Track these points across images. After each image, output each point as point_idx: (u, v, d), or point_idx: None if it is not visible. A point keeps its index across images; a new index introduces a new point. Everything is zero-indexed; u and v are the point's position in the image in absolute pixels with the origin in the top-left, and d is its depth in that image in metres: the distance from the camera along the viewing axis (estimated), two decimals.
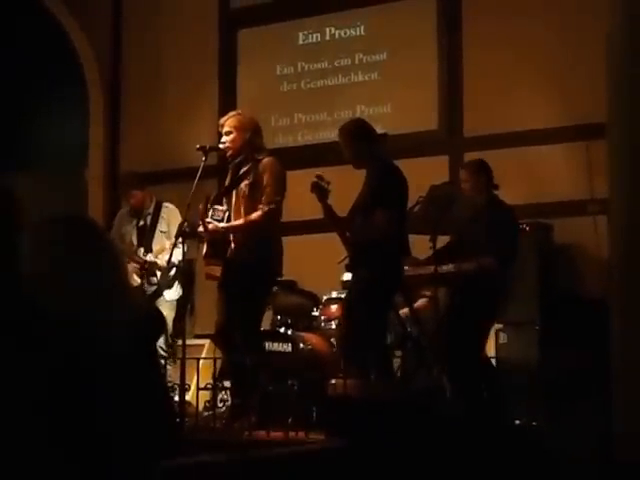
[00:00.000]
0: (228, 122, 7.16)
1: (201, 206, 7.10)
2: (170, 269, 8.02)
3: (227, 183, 7.20)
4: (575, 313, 7.52)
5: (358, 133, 7.06)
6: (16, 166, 11.63)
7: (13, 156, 11.51)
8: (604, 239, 5.96)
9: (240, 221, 6.95)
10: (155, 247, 8.30)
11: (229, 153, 7.14)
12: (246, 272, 6.88)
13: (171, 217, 8.24)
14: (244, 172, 7.02)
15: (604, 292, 5.58)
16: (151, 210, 8.51)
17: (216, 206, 7.11)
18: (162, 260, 8.10)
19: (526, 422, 6.84)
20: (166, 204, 8.50)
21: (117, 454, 2.44)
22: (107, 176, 11.31)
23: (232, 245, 6.98)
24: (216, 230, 6.95)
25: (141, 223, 8.53)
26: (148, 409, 2.55)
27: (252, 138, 7.09)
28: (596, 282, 7.41)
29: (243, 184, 6.99)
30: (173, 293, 7.86)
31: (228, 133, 7.11)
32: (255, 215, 6.91)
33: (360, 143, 6.97)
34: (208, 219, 6.98)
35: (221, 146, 7.22)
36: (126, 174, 9.09)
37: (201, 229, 7.02)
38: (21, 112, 11.41)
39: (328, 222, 7.00)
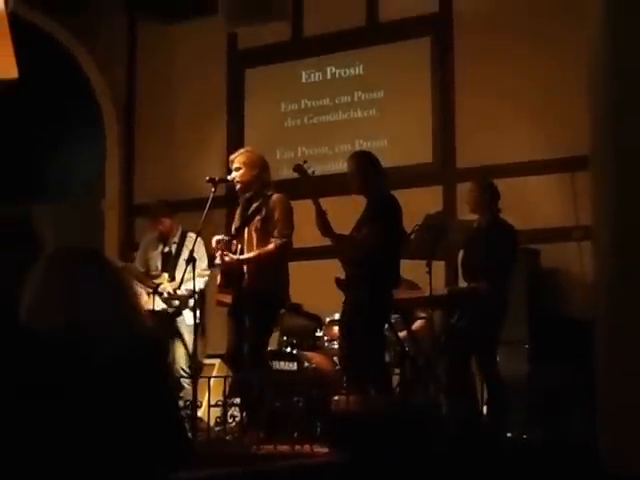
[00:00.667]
0: (238, 159, 7.22)
1: (217, 239, 7.14)
2: (189, 295, 7.99)
3: (239, 217, 7.22)
4: (562, 332, 7.53)
5: (368, 162, 7.12)
6: (37, 197, 11.67)
7: (35, 188, 11.53)
8: (588, 263, 5.98)
9: (256, 253, 6.99)
10: (177, 275, 8.27)
11: (239, 187, 7.19)
12: (259, 300, 6.94)
13: (196, 247, 8.22)
14: (256, 208, 7.06)
15: (588, 312, 5.59)
16: (177, 239, 8.47)
17: (228, 239, 7.17)
18: (185, 286, 8.06)
19: (517, 435, 6.85)
20: (190, 234, 8.46)
21: (127, 469, 2.43)
22: (122, 206, 11.32)
23: (246, 275, 7.00)
24: (232, 261, 7.00)
25: (166, 250, 8.51)
26: (157, 425, 2.54)
27: (260, 174, 7.15)
28: (581, 303, 7.42)
29: (256, 219, 7.03)
30: (192, 318, 7.82)
31: (238, 169, 7.16)
32: (270, 247, 6.98)
33: (367, 173, 7.03)
34: (226, 252, 7.03)
35: (229, 178, 7.26)
36: (157, 202, 9.03)
37: (218, 260, 7.07)
38: (41, 146, 11.43)
39: (320, 228, 7.04)
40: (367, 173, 7.02)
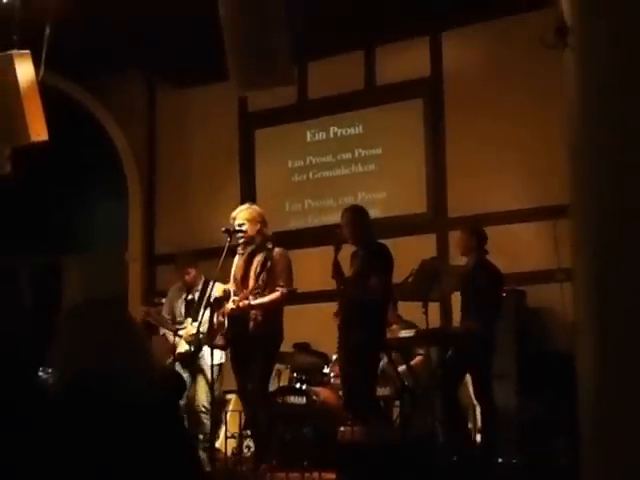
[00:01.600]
0: (240, 215, 7.22)
1: (225, 288, 7.17)
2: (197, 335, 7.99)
3: (241, 268, 7.18)
4: (546, 366, 7.53)
5: (359, 215, 7.18)
6: (64, 248, 11.72)
7: (62, 239, 11.58)
8: (570, 302, 6.00)
9: (266, 300, 7.00)
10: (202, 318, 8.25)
11: (242, 241, 7.19)
12: (264, 340, 6.97)
13: (212, 291, 8.22)
14: (261, 261, 7.06)
15: (570, 347, 5.61)
16: (200, 287, 8.49)
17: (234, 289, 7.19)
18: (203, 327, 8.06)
19: (507, 460, 6.84)
20: (212, 282, 8.47)
21: None
22: (145, 256, 11.35)
23: (252, 320, 7.00)
24: (246, 307, 7.01)
25: (189, 297, 8.49)
26: (173, 462, 2.53)
27: (261, 229, 7.18)
28: (563, 339, 7.43)
29: (263, 272, 7.03)
30: (216, 358, 7.81)
31: (241, 225, 7.16)
32: (277, 295, 7.00)
33: (360, 223, 7.09)
34: (234, 298, 7.06)
35: (243, 228, 7.27)
36: (182, 254, 9.03)
37: (232, 305, 7.09)
38: (70, 202, 11.49)
39: (334, 275, 7.04)
40: (359, 225, 7.08)
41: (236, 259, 7.27)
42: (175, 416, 2.77)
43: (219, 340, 7.33)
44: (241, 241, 7.19)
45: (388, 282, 6.85)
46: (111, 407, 2.44)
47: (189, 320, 8.30)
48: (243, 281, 7.13)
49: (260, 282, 7.04)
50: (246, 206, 7.47)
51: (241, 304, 7.01)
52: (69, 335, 2.63)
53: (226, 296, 7.12)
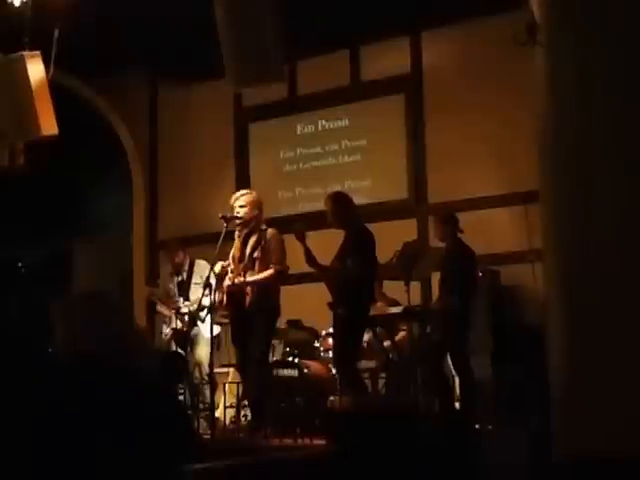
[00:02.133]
0: (243, 198, 7.24)
1: (223, 265, 7.17)
2: (201, 310, 8.01)
3: (239, 249, 7.20)
4: (519, 339, 7.56)
5: (340, 201, 7.17)
6: (74, 234, 11.71)
7: (72, 225, 11.56)
8: (540, 281, 6.04)
9: (261, 276, 7.03)
10: (192, 297, 8.35)
11: (240, 222, 7.19)
12: (261, 315, 6.98)
13: (203, 271, 8.27)
14: (255, 241, 7.09)
15: (541, 322, 5.65)
16: (186, 267, 8.57)
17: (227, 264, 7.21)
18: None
19: (483, 426, 6.87)
20: (197, 261, 8.55)
21: (144, 459, 2.48)
22: (148, 240, 11.35)
23: (248, 295, 7.02)
24: (242, 283, 7.03)
25: (179, 279, 8.59)
26: (168, 425, 2.57)
27: (259, 213, 7.20)
28: (534, 314, 7.45)
29: (255, 251, 7.07)
30: (208, 332, 7.85)
31: (242, 207, 7.18)
32: (270, 272, 7.04)
33: (341, 209, 7.08)
34: (231, 276, 7.07)
35: (236, 214, 7.27)
36: (172, 239, 9.18)
37: (228, 282, 7.10)
38: (79, 192, 11.47)
39: (307, 261, 7.05)
40: (342, 211, 7.07)
41: (235, 241, 7.28)
42: (169, 392, 2.79)
43: (220, 315, 7.35)
44: (238, 222, 7.18)
45: (367, 262, 6.81)
46: (109, 380, 2.49)
47: (181, 299, 8.38)
48: (240, 260, 7.14)
49: (255, 261, 7.05)
50: (247, 191, 7.50)
51: (236, 280, 7.03)
52: (72, 319, 2.67)
53: (224, 273, 7.13)
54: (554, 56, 5.32)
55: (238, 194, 7.37)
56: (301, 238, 6.97)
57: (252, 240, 7.12)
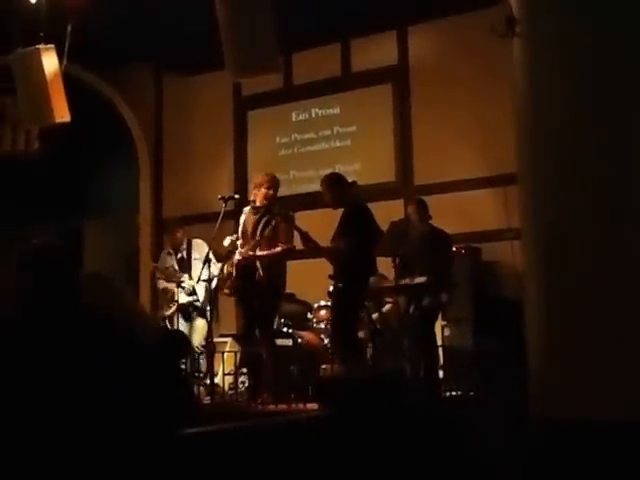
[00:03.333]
0: (266, 178, 7.13)
1: (231, 239, 7.10)
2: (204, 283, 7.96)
3: (251, 224, 7.08)
4: (499, 311, 7.55)
5: (334, 182, 7.11)
6: (86, 215, 11.68)
7: (83, 206, 11.53)
8: (518, 257, 6.02)
9: (270, 252, 6.92)
10: (194, 272, 8.27)
11: (258, 199, 7.08)
12: (269, 288, 6.90)
13: (201, 248, 8.22)
14: (267, 220, 6.99)
15: (519, 295, 5.63)
16: (185, 246, 8.50)
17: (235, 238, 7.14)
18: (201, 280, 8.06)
19: (465, 392, 6.86)
20: (194, 240, 8.47)
21: (146, 421, 2.46)
22: (153, 219, 11.31)
23: (259, 270, 6.93)
24: (251, 257, 6.94)
25: (179, 256, 8.52)
26: (169, 391, 2.57)
27: (275, 195, 7.12)
28: (513, 288, 7.44)
29: (267, 228, 6.97)
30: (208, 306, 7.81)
31: (266, 187, 7.07)
32: (279, 249, 6.93)
33: (336, 189, 7.02)
34: (242, 250, 6.99)
35: (236, 196, 7.20)
36: (171, 219, 9.14)
37: (238, 257, 7.01)
38: (88, 174, 11.41)
39: (303, 243, 6.99)
40: (335, 190, 7.00)
41: (245, 217, 7.18)
42: (171, 362, 2.75)
43: (227, 289, 7.24)
44: (256, 199, 7.07)
45: (362, 237, 6.73)
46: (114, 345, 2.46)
47: (185, 275, 8.31)
48: (252, 236, 7.02)
49: (265, 238, 6.95)
50: (272, 173, 7.33)
51: (245, 254, 6.94)
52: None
53: (233, 247, 7.06)
54: (531, 47, 5.28)
55: (264, 174, 7.25)
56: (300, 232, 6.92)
57: (265, 218, 7.02)
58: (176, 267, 8.46)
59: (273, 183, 7.12)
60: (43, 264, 2.59)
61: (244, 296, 7.05)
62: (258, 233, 7.00)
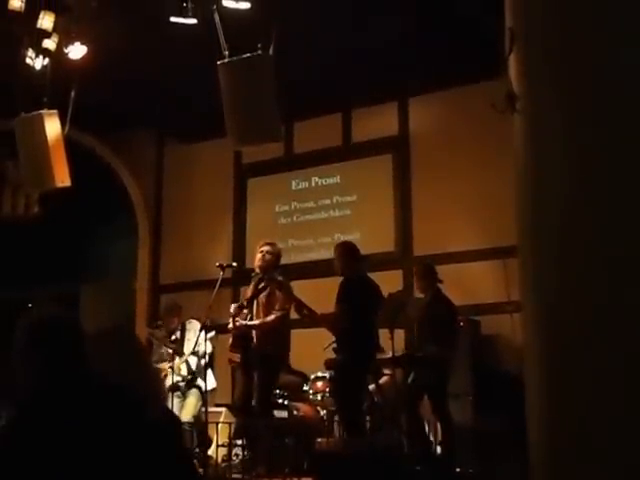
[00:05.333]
0: (272, 249, 7.16)
1: (235, 306, 7.08)
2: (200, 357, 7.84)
3: (251, 293, 7.10)
4: (498, 386, 7.47)
5: (348, 251, 7.06)
6: (83, 280, 11.64)
7: (82, 272, 11.51)
8: (518, 330, 5.97)
9: (260, 321, 6.90)
10: (186, 350, 8.07)
11: (260, 267, 7.09)
12: (264, 360, 6.82)
13: (194, 328, 8.03)
14: (264, 286, 6.99)
15: (519, 370, 5.55)
16: (179, 329, 8.34)
17: (239, 305, 7.11)
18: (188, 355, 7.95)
19: (464, 469, 6.75)
20: (188, 321, 8.28)
21: None
22: (150, 286, 11.27)
23: (254, 339, 6.88)
24: (241, 327, 6.89)
25: (173, 337, 8.34)
26: (174, 466, 2.45)
27: (275, 261, 7.10)
28: (513, 363, 7.37)
29: (262, 295, 6.96)
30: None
31: (270, 253, 7.09)
32: (270, 318, 6.89)
33: (348, 259, 6.97)
34: (237, 319, 6.96)
35: (234, 264, 7.20)
36: (172, 304, 8.87)
37: (231, 326, 6.97)
38: (88, 240, 11.42)
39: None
40: (345, 259, 6.97)
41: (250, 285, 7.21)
42: (178, 436, 2.67)
43: (231, 356, 7.15)
44: (259, 267, 7.08)
45: (359, 306, 6.66)
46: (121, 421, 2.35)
47: (176, 357, 8.12)
48: (249, 303, 7.03)
49: (261, 305, 6.93)
50: (275, 243, 7.38)
51: (237, 324, 6.93)
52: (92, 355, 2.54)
53: (236, 314, 7.02)
54: (532, 123, 5.29)
55: (270, 244, 7.26)
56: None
57: (262, 286, 7.01)
58: (170, 351, 8.24)
59: (271, 250, 7.10)
60: (60, 340, 2.43)
61: (242, 365, 6.98)
62: (255, 300, 6.96)
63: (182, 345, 8.16)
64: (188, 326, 8.23)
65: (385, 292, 7.20)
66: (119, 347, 2.65)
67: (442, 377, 6.97)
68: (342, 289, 6.78)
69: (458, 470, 6.66)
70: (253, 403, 6.82)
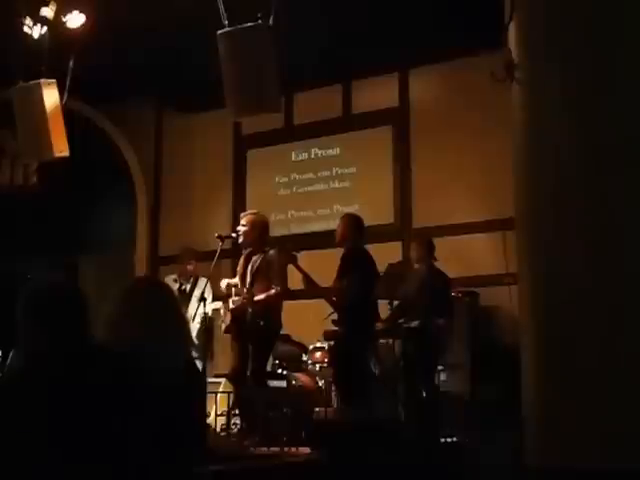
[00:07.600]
0: (245, 218, 7.15)
1: (228, 282, 7.10)
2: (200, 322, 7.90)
3: (241, 268, 7.11)
4: (495, 357, 7.52)
5: (354, 222, 7.06)
6: (82, 251, 11.65)
7: (81, 243, 11.52)
8: (515, 302, 6.02)
9: (264, 296, 6.87)
10: (190, 310, 8.17)
11: (241, 241, 7.13)
12: (260, 331, 6.87)
13: (205, 287, 8.12)
14: (257, 262, 6.98)
15: (516, 341, 5.60)
16: (192, 280, 8.46)
17: (235, 283, 7.13)
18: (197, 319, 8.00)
19: (461, 438, 6.81)
20: (202, 278, 8.39)
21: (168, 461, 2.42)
22: (149, 258, 11.28)
23: (249, 312, 6.90)
24: (244, 304, 6.90)
25: (182, 287, 8.46)
26: (189, 426, 2.53)
27: (261, 234, 7.06)
28: (510, 334, 7.43)
29: (256, 271, 6.95)
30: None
31: (243, 226, 7.10)
32: (272, 292, 6.86)
33: (352, 231, 6.98)
34: (234, 298, 6.98)
35: (234, 235, 7.22)
36: (188, 249, 9.04)
37: (232, 305, 6.98)
38: (86, 210, 11.43)
39: (306, 286, 6.95)
40: (351, 230, 6.97)
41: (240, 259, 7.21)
42: (193, 396, 2.71)
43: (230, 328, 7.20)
44: (240, 241, 7.09)
45: (359, 282, 6.68)
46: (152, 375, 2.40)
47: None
48: (242, 278, 7.04)
49: (256, 282, 6.93)
50: (252, 211, 7.38)
51: (238, 300, 6.94)
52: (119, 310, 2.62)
53: (229, 292, 7.04)
54: (530, 92, 5.31)
55: (244, 213, 7.30)
56: (294, 263, 6.87)
57: (254, 260, 7.00)
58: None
59: (256, 222, 7.09)
60: (59, 308, 2.45)
61: (237, 337, 7.03)
62: (248, 275, 6.98)
63: (188, 299, 8.22)
64: (200, 282, 8.27)
65: (384, 263, 7.25)
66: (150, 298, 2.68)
67: (430, 347, 7.01)
68: (348, 261, 6.78)
69: (454, 439, 6.73)
70: (248, 374, 6.86)
